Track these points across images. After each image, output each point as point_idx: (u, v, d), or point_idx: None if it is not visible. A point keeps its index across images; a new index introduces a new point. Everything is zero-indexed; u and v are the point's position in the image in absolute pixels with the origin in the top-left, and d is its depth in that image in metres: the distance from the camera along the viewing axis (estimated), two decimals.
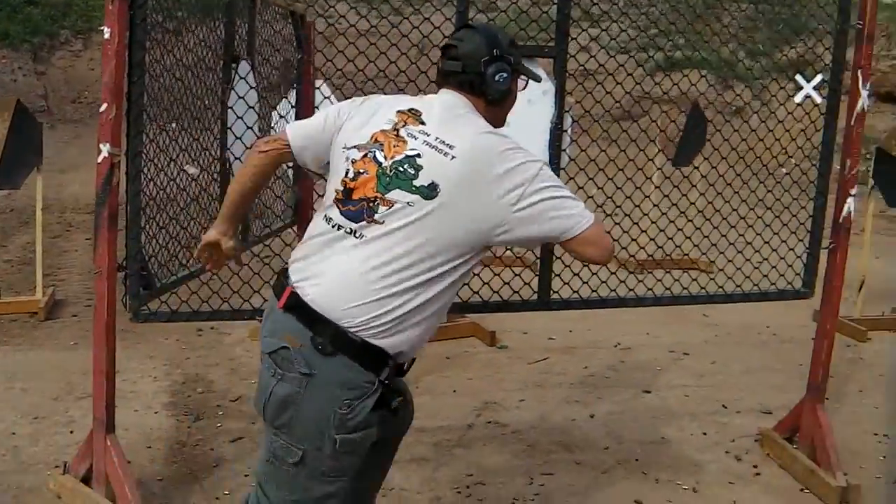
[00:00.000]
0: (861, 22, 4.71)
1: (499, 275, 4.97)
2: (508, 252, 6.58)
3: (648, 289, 5.12)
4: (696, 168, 7.85)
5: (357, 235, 2.96)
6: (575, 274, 4.77)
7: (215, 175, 5.13)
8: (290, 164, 5.86)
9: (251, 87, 5.04)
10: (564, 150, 4.82)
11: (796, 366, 5.79)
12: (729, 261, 5.22)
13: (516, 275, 4.95)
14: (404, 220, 2.92)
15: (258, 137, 5.08)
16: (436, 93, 3.24)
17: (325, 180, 3.21)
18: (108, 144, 3.88)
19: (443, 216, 2.92)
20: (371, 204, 2.96)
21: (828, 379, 5.14)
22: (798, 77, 5.02)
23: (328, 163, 3.22)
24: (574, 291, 4.93)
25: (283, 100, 6.01)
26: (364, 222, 2.95)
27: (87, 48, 18.90)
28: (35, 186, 7.45)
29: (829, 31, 5.07)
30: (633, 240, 5.21)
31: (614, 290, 5.02)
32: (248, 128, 4.90)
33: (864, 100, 4.71)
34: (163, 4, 4.45)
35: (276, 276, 3.24)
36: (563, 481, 4.87)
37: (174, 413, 5.52)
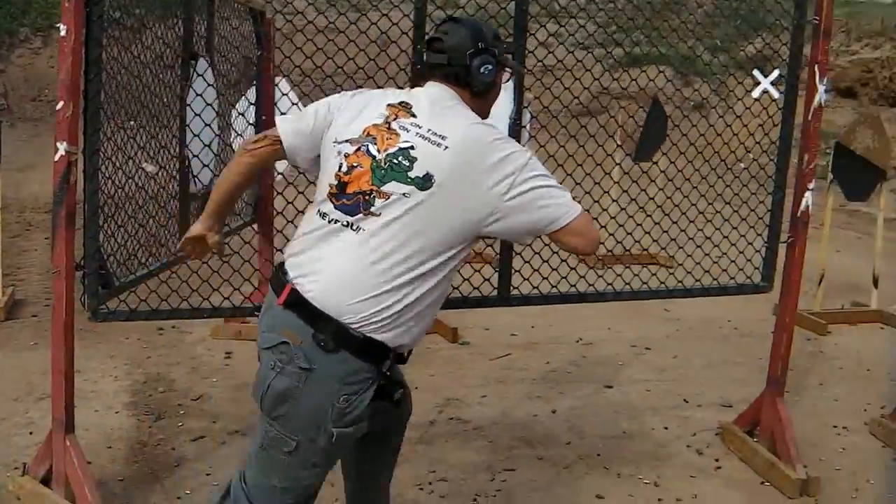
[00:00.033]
0: (818, 17, 4.74)
1: (459, 271, 4.98)
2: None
3: (608, 284, 5.14)
4: (655, 164, 7.87)
5: (354, 228, 3.01)
6: (535, 270, 4.78)
7: (174, 173, 5.11)
8: None
9: (209, 85, 5.01)
10: (523, 146, 4.82)
11: (757, 359, 5.82)
12: (688, 255, 5.25)
13: (476, 271, 4.95)
14: (401, 211, 2.98)
15: (216, 135, 5.07)
16: (421, 86, 3.32)
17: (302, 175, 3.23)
18: (65, 143, 3.85)
19: (438, 206, 2.99)
20: (367, 197, 3.02)
21: (787, 372, 5.17)
22: (755, 72, 5.05)
23: (316, 157, 3.27)
24: (534, 287, 4.93)
25: (243, 97, 5.99)
26: (361, 215, 3.01)
27: (47, 46, 18.71)
28: None
29: (786, 27, 5.10)
30: (610, 234, 5.24)
31: (574, 286, 5.03)
32: (207, 125, 4.88)
33: (820, 94, 4.74)
34: (120, 1, 4.42)
35: (274, 271, 3.24)
36: (525, 477, 4.88)
37: (135, 413, 5.48)
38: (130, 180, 4.56)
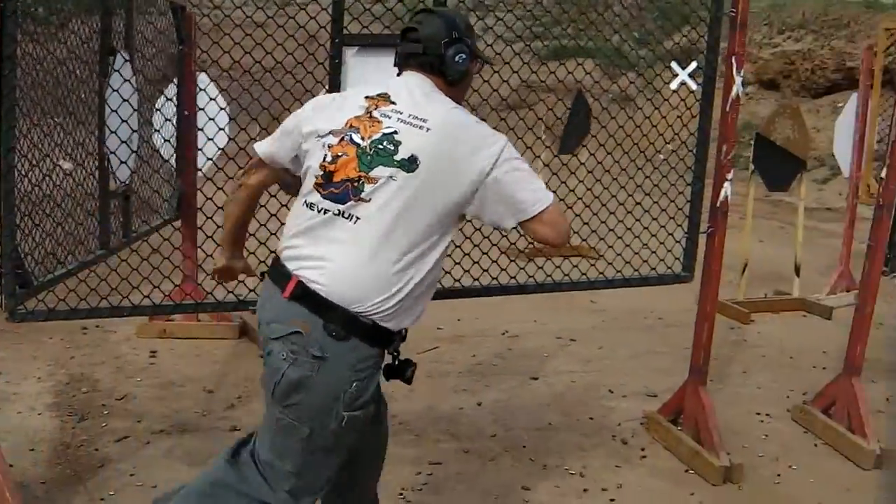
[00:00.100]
0: (734, 10, 4.78)
1: None
2: None
3: (530, 276, 5.15)
4: (575, 156, 7.93)
5: (347, 216, 3.08)
6: (456, 263, 4.78)
7: (92, 170, 5.04)
8: (173, 154, 5.81)
9: (126, 80, 4.96)
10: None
11: (681, 349, 5.88)
12: (609, 247, 5.28)
13: None
14: (390, 194, 3.06)
15: (133, 132, 5.01)
16: (398, 76, 3.40)
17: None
18: None
19: (424, 186, 3.07)
20: (355, 184, 3.09)
21: (709, 361, 5.21)
22: (673, 64, 5.08)
23: (296, 157, 3.34)
24: (456, 280, 4.93)
25: (162, 94, 5.93)
26: (351, 202, 3.08)
27: None
28: None
29: (703, 20, 5.14)
30: (514, 227, 5.24)
31: (496, 279, 5.04)
32: (124, 121, 4.83)
33: (738, 86, 4.77)
34: None
35: (270, 265, 3.31)
36: (451, 470, 4.88)
37: (58, 414, 5.40)
38: (47, 178, 4.50)
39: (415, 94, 3.26)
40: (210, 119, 5.63)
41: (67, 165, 4.75)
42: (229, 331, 6.87)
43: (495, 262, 4.99)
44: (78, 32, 4.80)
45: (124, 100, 4.91)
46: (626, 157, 5.34)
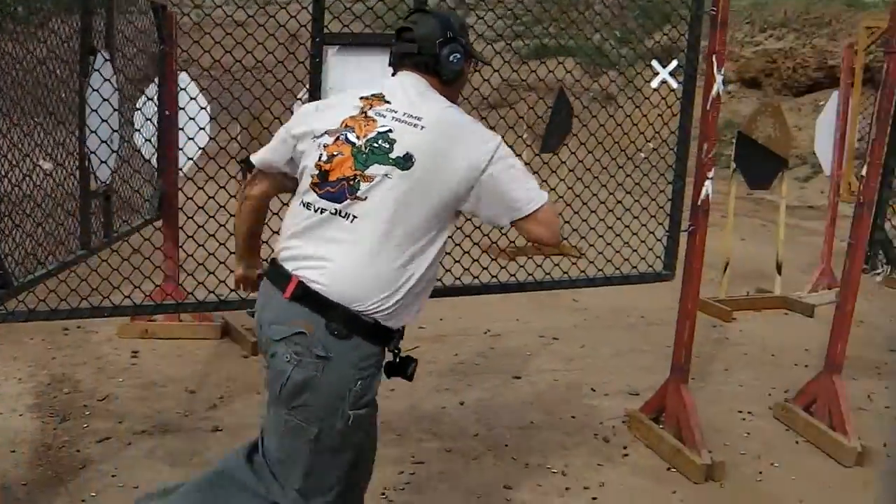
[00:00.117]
0: (714, 8, 4.79)
1: None
2: None
3: (511, 275, 5.15)
4: (556, 155, 7.94)
5: (344, 216, 3.12)
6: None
7: (73, 170, 5.02)
8: (154, 153, 5.79)
9: (106, 80, 4.94)
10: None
11: (663, 347, 5.87)
12: (591, 245, 5.28)
13: None
14: (386, 192, 3.10)
15: (114, 131, 5.00)
16: (393, 76, 3.45)
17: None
18: None
19: (419, 183, 3.11)
20: (351, 182, 3.12)
21: (691, 359, 5.22)
22: (654, 63, 5.08)
23: (291, 160, 3.38)
24: (437, 279, 4.93)
25: (143, 94, 5.91)
26: (347, 201, 3.12)
27: None
28: None
29: (684, 18, 5.14)
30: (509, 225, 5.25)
31: (477, 277, 5.04)
32: (104, 121, 4.81)
33: (718, 84, 4.78)
34: None
35: (268, 267, 3.35)
36: (434, 469, 4.88)
37: (39, 415, 5.38)
38: (27, 178, 4.48)
39: (409, 93, 3.30)
40: (191, 119, 5.62)
41: (48, 166, 4.73)
42: (211, 331, 6.85)
43: (476, 260, 5.00)
44: (58, 32, 4.78)
45: (104, 99, 4.90)
46: (607, 155, 5.34)
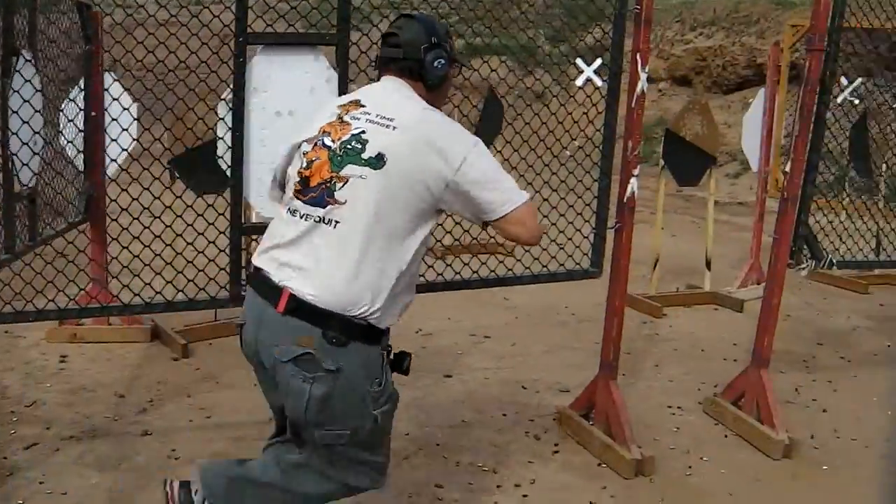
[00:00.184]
0: (638, 6, 4.81)
1: None
2: None
3: (439, 274, 5.14)
4: None
5: (327, 222, 3.17)
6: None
7: None
8: (77, 155, 5.70)
9: (27, 81, 4.86)
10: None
11: (594, 344, 5.89)
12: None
13: None
14: (361, 193, 3.14)
15: (35, 133, 4.92)
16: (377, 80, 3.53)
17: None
18: None
19: (394, 184, 3.14)
20: (328, 185, 3.18)
21: (619, 355, 5.26)
22: (579, 61, 5.09)
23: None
24: None
25: (67, 98, 5.82)
26: (329, 206, 3.17)
27: None
28: None
29: (608, 17, 5.17)
30: (438, 224, 5.25)
31: None
32: (25, 122, 4.74)
33: (643, 82, 4.81)
34: None
35: (252, 276, 3.40)
36: None
37: None
38: None
39: (387, 96, 3.37)
40: (113, 119, 5.56)
41: None
42: (141, 334, 6.79)
43: None
44: None
45: (25, 101, 4.82)
46: (533, 153, 5.35)
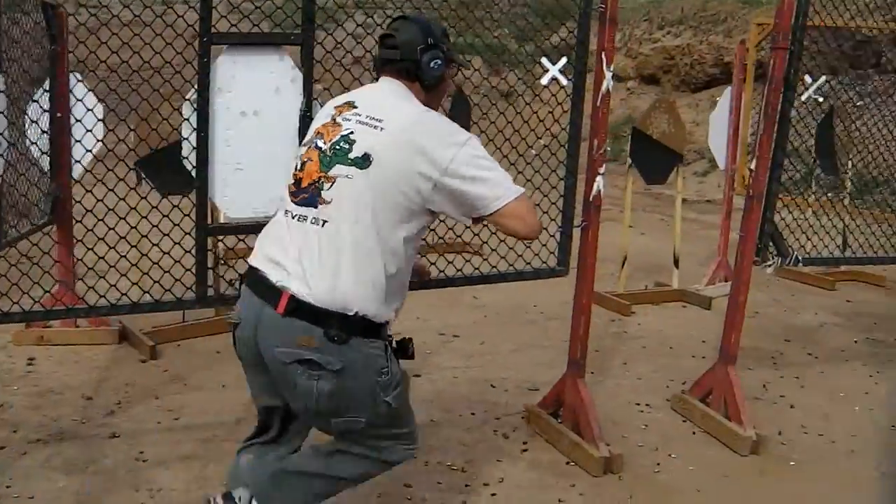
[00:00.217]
0: (603, 5, 4.82)
1: None
2: None
3: None
4: None
5: (315, 221, 3.24)
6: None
7: None
8: (47, 151, 5.66)
9: None
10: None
11: (562, 342, 5.89)
12: (484, 242, 5.28)
13: None
14: (347, 191, 3.21)
15: (4, 138, 4.90)
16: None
17: None
18: None
19: (380, 183, 3.20)
20: (317, 185, 3.26)
21: (587, 353, 5.27)
22: (544, 60, 5.10)
23: None
24: None
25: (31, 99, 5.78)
26: (320, 206, 3.24)
27: None
28: None
29: (572, 15, 5.17)
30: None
31: None
32: None
33: (608, 81, 4.82)
34: None
35: (249, 275, 3.45)
36: None
37: None
38: None
39: (380, 97, 3.44)
40: (77, 120, 5.52)
41: None
42: (109, 336, 6.76)
43: None
44: None
45: None
46: (498, 152, 5.36)
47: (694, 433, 5.56)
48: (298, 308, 3.18)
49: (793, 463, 5.24)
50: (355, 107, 3.40)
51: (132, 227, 4.81)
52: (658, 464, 5.14)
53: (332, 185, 3.23)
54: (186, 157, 4.58)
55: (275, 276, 3.25)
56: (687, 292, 8.69)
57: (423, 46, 3.44)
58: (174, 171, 4.75)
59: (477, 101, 5.76)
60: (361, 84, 4.88)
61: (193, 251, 4.65)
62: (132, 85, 4.91)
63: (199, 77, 4.47)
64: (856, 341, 7.74)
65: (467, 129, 7.57)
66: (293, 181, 3.37)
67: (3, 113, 4.84)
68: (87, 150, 5.75)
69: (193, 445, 5.08)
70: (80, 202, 4.99)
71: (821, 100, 7.63)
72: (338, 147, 3.28)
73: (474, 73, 4.87)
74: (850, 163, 8.91)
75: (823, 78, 7.65)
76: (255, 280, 3.34)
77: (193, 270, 4.67)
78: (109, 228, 4.87)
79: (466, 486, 4.78)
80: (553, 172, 5.36)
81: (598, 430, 5.04)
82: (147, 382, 5.99)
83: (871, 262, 7.11)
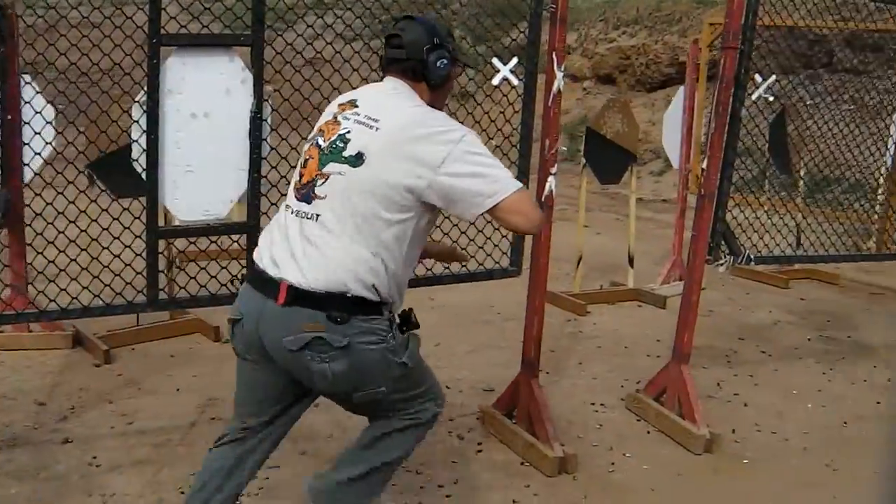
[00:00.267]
0: (554, 5, 4.83)
1: (204, 268, 4.97)
2: (214, 245, 6.52)
3: None
4: None
5: (310, 216, 3.31)
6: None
7: None
8: None
9: None
10: (265, 139, 4.78)
11: (518, 343, 5.90)
12: (437, 243, 5.31)
13: (223, 268, 4.93)
14: (337, 187, 3.28)
15: None
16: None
17: None
18: None
19: (370, 179, 3.25)
20: (313, 182, 3.34)
21: (540, 353, 5.29)
22: (495, 60, 5.11)
23: None
24: None
25: None
26: (314, 201, 3.32)
27: None
28: None
29: (524, 16, 5.18)
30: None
31: None
32: None
33: (559, 81, 4.83)
34: None
35: (250, 272, 3.51)
36: (288, 473, 4.82)
37: None
38: None
39: (381, 96, 3.49)
40: (26, 123, 5.47)
41: None
42: (62, 340, 6.69)
43: None
44: None
45: None
46: None
47: (648, 432, 5.58)
48: (298, 297, 3.24)
49: (746, 461, 5.27)
50: (356, 105, 3.45)
51: (82, 231, 4.77)
52: (613, 463, 5.15)
53: (325, 182, 3.30)
54: (136, 160, 4.56)
55: (272, 269, 3.32)
56: (642, 291, 8.73)
57: (430, 46, 3.49)
58: (125, 174, 4.73)
59: None
60: (313, 86, 4.91)
61: (144, 254, 4.62)
62: (81, 87, 4.88)
63: (149, 79, 4.45)
64: (809, 339, 7.80)
65: None
66: (297, 177, 3.45)
67: None
68: (37, 154, 5.70)
69: (147, 450, 5.04)
70: (29, 206, 4.94)
71: (771, 99, 7.69)
72: (334, 146, 3.34)
73: None
74: (802, 161, 8.97)
75: (773, 77, 7.70)
76: (255, 276, 3.42)
77: (144, 273, 4.65)
78: (59, 232, 4.84)
79: (421, 487, 4.77)
80: None
81: (553, 430, 5.04)
82: (101, 387, 5.94)
83: (824, 259, 7.17)
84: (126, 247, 4.77)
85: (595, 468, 5.07)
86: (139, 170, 4.55)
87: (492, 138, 5.21)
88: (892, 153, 7.14)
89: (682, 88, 8.96)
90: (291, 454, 5.05)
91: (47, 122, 5.35)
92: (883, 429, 5.83)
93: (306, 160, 3.43)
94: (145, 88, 4.48)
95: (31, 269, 5.11)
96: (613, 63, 19.44)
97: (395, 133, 3.29)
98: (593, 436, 5.50)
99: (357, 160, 3.26)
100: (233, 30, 4.67)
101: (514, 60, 5.04)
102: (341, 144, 3.32)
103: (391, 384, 3.42)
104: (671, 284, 8.84)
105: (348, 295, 3.23)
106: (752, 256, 5.90)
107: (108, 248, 4.75)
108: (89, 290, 4.84)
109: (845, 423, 5.91)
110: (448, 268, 5.25)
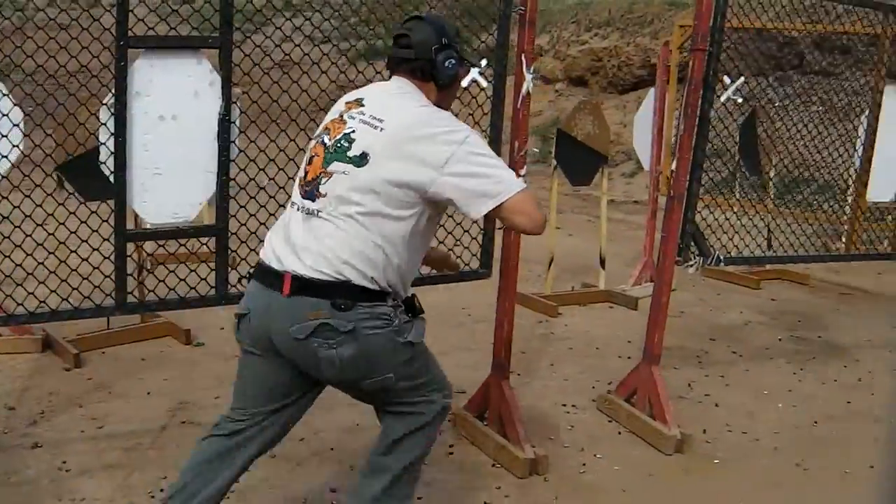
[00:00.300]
0: (523, 7, 4.84)
1: (174, 271, 4.96)
2: (183, 248, 6.48)
3: None
4: None
5: (315, 213, 3.36)
6: (252, 267, 4.74)
7: None
8: None
9: None
10: (233, 142, 4.76)
11: (490, 345, 5.91)
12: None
13: (192, 271, 4.92)
14: (340, 185, 3.32)
15: None
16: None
17: None
18: None
19: (374, 179, 3.28)
20: (317, 180, 3.39)
21: (511, 355, 5.30)
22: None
23: None
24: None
25: None
26: (318, 199, 3.37)
27: None
28: None
29: (492, 18, 5.19)
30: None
31: None
32: None
33: (528, 83, 4.84)
34: None
35: (256, 269, 3.56)
36: (259, 476, 4.79)
37: None
38: None
39: (387, 96, 3.53)
40: None
41: None
42: (31, 344, 6.65)
43: None
44: None
45: None
46: None
47: (620, 433, 5.59)
48: (301, 286, 3.29)
49: (717, 461, 5.29)
50: (362, 105, 3.48)
51: (50, 234, 4.75)
52: (584, 464, 5.16)
53: (329, 180, 3.35)
54: (104, 163, 4.54)
55: (276, 264, 3.37)
56: (613, 293, 8.74)
57: (438, 46, 3.52)
58: (93, 176, 4.71)
59: None
60: (282, 88, 4.90)
61: (112, 257, 4.60)
62: (49, 90, 4.86)
63: (117, 81, 4.43)
64: (780, 339, 7.84)
65: None
66: (302, 174, 3.49)
67: None
68: (4, 157, 5.67)
69: (118, 454, 5.01)
70: None
71: (740, 100, 7.72)
72: (339, 145, 3.38)
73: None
74: (772, 163, 9.01)
75: (742, 79, 7.74)
76: (262, 271, 3.47)
77: (112, 277, 4.63)
78: (27, 235, 4.81)
79: None
80: None
81: (524, 431, 5.05)
82: (71, 391, 5.91)
83: (794, 260, 7.21)
84: (94, 250, 4.74)
85: (566, 469, 5.08)
86: (107, 172, 4.52)
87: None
88: (860, 154, 7.16)
89: (652, 90, 9.00)
90: (263, 457, 4.98)
91: (14, 125, 5.30)
92: (853, 428, 5.86)
93: (311, 157, 3.47)
94: (113, 91, 4.46)
95: None
96: (585, 65, 19.48)
97: (400, 132, 3.32)
98: (565, 437, 5.51)
99: (361, 160, 3.30)
100: (201, 32, 4.66)
101: (484, 62, 5.04)
102: (346, 144, 3.36)
103: (399, 370, 3.46)
104: (642, 286, 8.86)
105: (351, 283, 3.28)
106: (721, 257, 5.93)
107: (76, 251, 4.73)
108: (58, 294, 4.81)
109: (815, 422, 5.94)
110: (419, 270, 5.27)
